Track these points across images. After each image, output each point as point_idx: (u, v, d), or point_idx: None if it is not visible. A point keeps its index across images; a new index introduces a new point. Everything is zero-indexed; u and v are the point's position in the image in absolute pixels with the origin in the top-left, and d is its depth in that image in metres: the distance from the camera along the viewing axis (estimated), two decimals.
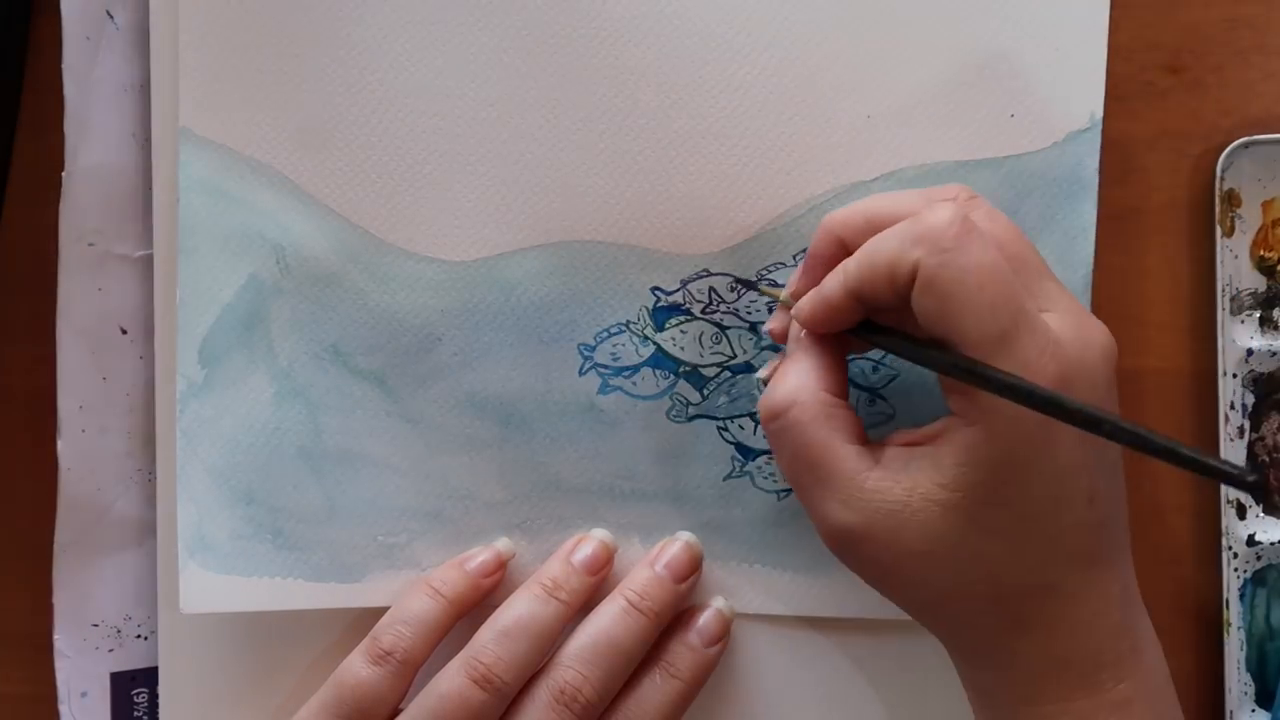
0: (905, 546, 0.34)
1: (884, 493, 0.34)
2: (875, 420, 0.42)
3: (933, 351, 0.33)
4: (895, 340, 0.35)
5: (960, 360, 0.33)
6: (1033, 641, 0.34)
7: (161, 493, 0.43)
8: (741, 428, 0.42)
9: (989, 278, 0.32)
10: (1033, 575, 0.34)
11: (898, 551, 0.34)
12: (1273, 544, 0.42)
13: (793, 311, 0.37)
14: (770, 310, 0.41)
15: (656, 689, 0.40)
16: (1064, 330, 0.33)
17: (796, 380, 0.35)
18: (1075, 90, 0.41)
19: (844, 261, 0.35)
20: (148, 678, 0.45)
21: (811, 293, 0.36)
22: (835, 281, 0.35)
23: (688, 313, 0.42)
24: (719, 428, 0.42)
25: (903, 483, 0.34)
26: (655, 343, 0.42)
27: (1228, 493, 0.42)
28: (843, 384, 0.36)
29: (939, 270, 0.32)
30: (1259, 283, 0.42)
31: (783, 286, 0.39)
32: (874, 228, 0.35)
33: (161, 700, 0.44)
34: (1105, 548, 0.35)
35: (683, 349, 0.42)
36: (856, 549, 0.35)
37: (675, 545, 0.42)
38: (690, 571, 0.42)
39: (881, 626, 0.42)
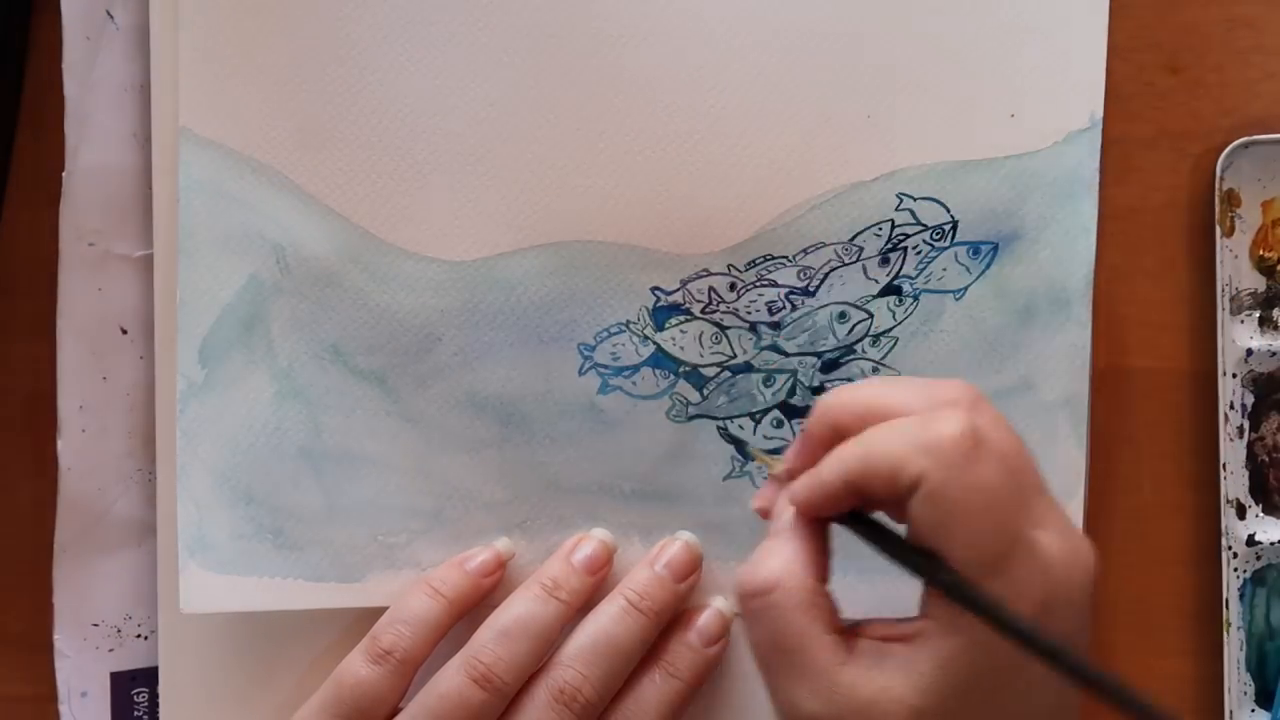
0: None
1: (856, 689, 0.33)
2: None
3: (923, 561, 0.33)
4: (886, 540, 0.34)
5: (950, 578, 0.32)
6: None
7: (161, 493, 0.43)
8: (741, 428, 0.42)
9: (993, 499, 0.32)
10: None
11: None
12: (1273, 544, 0.42)
13: (788, 491, 0.36)
14: (770, 310, 0.42)
15: (656, 689, 0.40)
16: (1054, 550, 0.33)
17: (783, 561, 0.34)
18: (1075, 90, 0.41)
19: (843, 449, 0.34)
20: (148, 678, 0.45)
21: (808, 475, 0.35)
22: (833, 470, 0.34)
23: (688, 313, 0.42)
24: (719, 428, 0.42)
25: (876, 681, 0.33)
26: (655, 343, 0.42)
27: (1228, 492, 0.42)
28: (827, 568, 0.35)
29: (944, 487, 0.32)
30: (1259, 283, 0.42)
31: (779, 456, 0.38)
32: (873, 418, 0.34)
33: (161, 700, 0.44)
34: None
35: (683, 349, 0.42)
36: None
37: (675, 545, 0.42)
38: (690, 571, 0.42)
39: None
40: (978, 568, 0.32)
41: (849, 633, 0.34)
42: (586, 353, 0.42)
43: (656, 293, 0.42)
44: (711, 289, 0.42)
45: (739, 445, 0.42)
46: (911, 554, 0.33)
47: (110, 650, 0.44)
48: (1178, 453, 0.43)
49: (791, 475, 0.36)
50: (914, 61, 0.41)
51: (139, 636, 0.45)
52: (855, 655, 0.34)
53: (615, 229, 0.41)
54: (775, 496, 0.36)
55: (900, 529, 0.34)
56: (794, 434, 0.42)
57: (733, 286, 0.42)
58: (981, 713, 0.33)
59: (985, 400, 0.34)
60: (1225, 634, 0.42)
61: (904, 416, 0.33)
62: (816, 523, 0.35)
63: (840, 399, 0.35)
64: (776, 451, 0.42)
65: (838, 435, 0.34)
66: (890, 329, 0.42)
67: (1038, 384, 0.42)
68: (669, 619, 0.41)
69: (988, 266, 0.41)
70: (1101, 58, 0.41)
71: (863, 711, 0.33)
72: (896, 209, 0.41)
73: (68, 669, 0.44)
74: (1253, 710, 0.42)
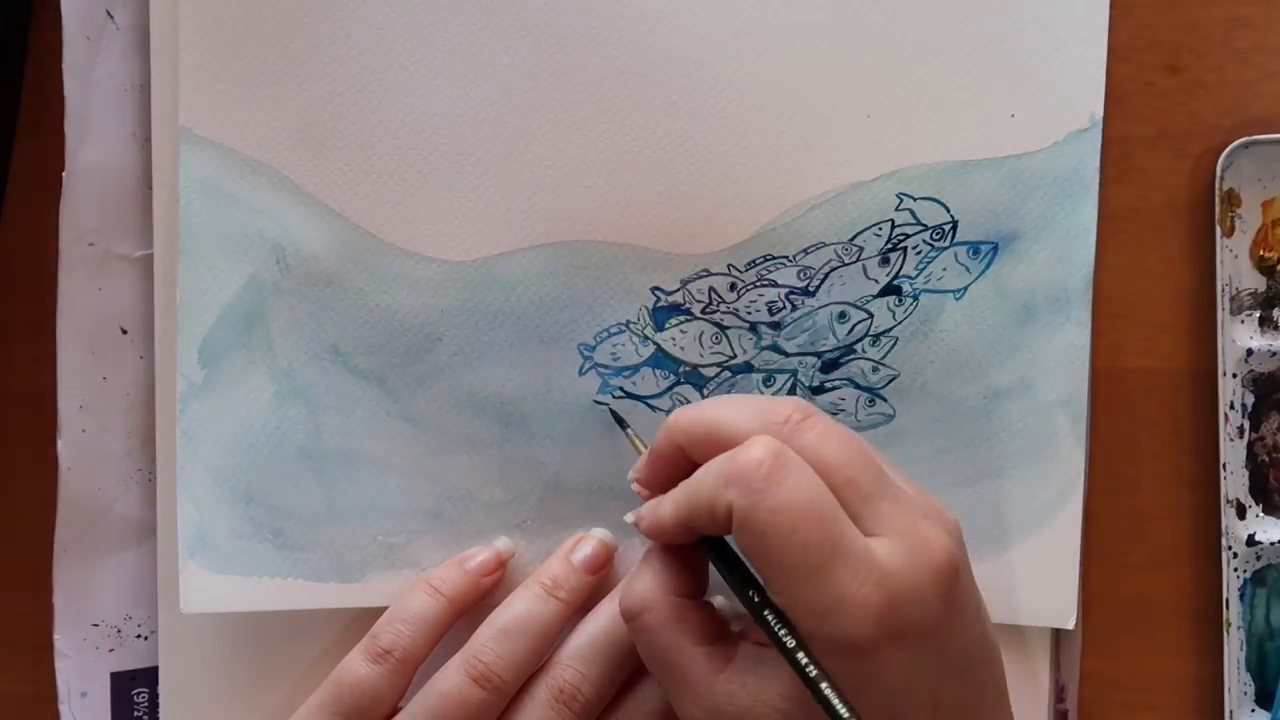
0: None
1: (731, 696, 0.34)
2: (875, 421, 0.42)
3: (744, 591, 0.35)
4: (722, 567, 0.36)
5: (760, 609, 0.34)
6: None
7: (161, 493, 0.43)
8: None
9: (801, 518, 0.32)
10: None
11: None
12: (1273, 544, 0.42)
13: (633, 520, 0.37)
14: (770, 310, 0.42)
15: (655, 688, 0.40)
16: (892, 555, 0.33)
17: (648, 584, 0.36)
18: (1075, 90, 0.41)
19: (675, 493, 0.36)
20: (148, 678, 0.45)
21: (651, 506, 0.37)
22: (668, 510, 0.36)
23: (688, 313, 0.42)
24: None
25: (749, 687, 0.34)
26: (655, 343, 0.42)
27: (1228, 492, 0.42)
28: (698, 582, 0.37)
29: (750, 512, 0.33)
30: (1259, 283, 0.42)
31: (643, 443, 0.40)
32: (712, 440, 0.35)
33: (161, 700, 0.44)
34: None
35: (683, 349, 0.42)
36: None
37: None
38: None
39: None
40: (799, 582, 0.32)
41: (729, 640, 0.35)
42: (586, 353, 0.42)
43: (656, 293, 0.42)
44: (711, 289, 0.42)
45: (619, 420, 0.42)
46: (739, 584, 0.35)
47: (110, 650, 0.44)
48: (1178, 453, 0.43)
49: (643, 484, 0.37)
50: (914, 61, 0.41)
51: (139, 636, 0.45)
52: (733, 663, 0.35)
53: (615, 229, 0.41)
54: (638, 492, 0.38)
55: None
56: None
57: (733, 286, 0.42)
58: (860, 708, 0.33)
59: (816, 414, 0.35)
60: (1225, 634, 0.42)
61: (736, 438, 0.34)
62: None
63: (682, 421, 0.36)
64: None
65: (681, 454, 0.36)
66: (890, 329, 0.42)
67: (1037, 384, 0.42)
68: None
69: (988, 266, 0.41)
70: (1101, 58, 0.41)
71: (740, 716, 0.34)
72: (896, 209, 0.41)
73: (68, 669, 0.44)
74: (1253, 710, 0.42)
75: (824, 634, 0.32)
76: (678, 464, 0.36)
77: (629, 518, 0.38)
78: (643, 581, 0.36)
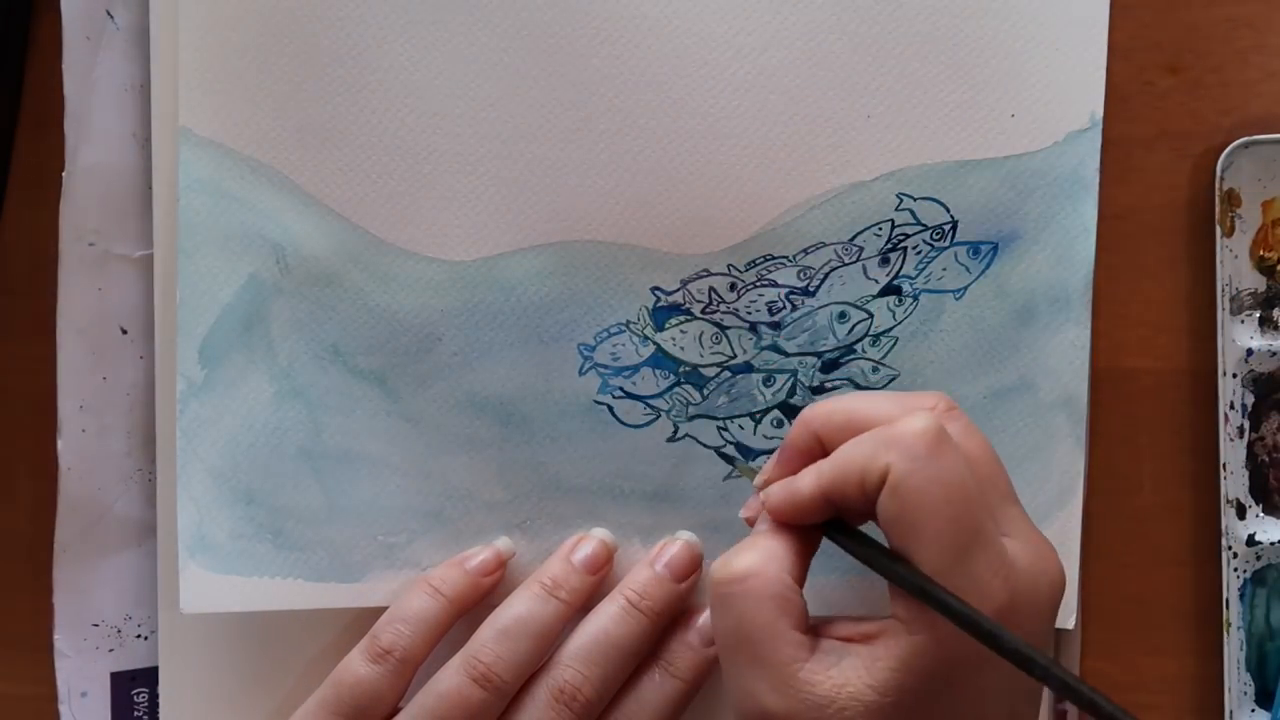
0: None
1: (814, 685, 0.34)
2: None
3: (890, 563, 0.34)
4: (858, 545, 0.35)
5: (916, 578, 0.33)
6: None
7: (161, 493, 0.43)
8: (741, 428, 0.42)
9: (955, 492, 0.33)
10: None
11: None
12: (1273, 544, 0.42)
13: (761, 497, 0.37)
14: (770, 310, 0.42)
15: (656, 689, 0.40)
16: (1020, 557, 0.34)
17: (762, 555, 0.35)
18: (1075, 90, 0.41)
19: (820, 462, 0.35)
20: (148, 678, 0.45)
21: (784, 483, 0.36)
22: (809, 480, 0.35)
23: (688, 313, 0.42)
24: (719, 428, 0.42)
25: (834, 678, 0.34)
26: (655, 343, 0.42)
27: (1228, 492, 0.42)
28: (804, 572, 0.36)
29: (907, 477, 0.33)
30: (1259, 283, 0.42)
31: (758, 467, 0.40)
32: (853, 427, 0.35)
33: (161, 700, 0.44)
34: None
35: (683, 349, 0.42)
36: None
37: (675, 545, 0.42)
38: (690, 571, 0.42)
39: None
40: (941, 559, 0.33)
41: (813, 634, 0.35)
42: (586, 353, 0.42)
43: (656, 293, 0.42)
44: (712, 289, 0.42)
45: (730, 461, 0.42)
46: (881, 556, 0.34)
47: (110, 650, 0.45)
48: (1178, 453, 0.43)
49: (772, 481, 0.37)
50: (914, 61, 0.41)
51: (139, 636, 0.45)
52: (818, 654, 0.34)
53: (615, 229, 0.41)
54: (759, 507, 0.37)
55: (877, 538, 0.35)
56: None
57: (733, 286, 0.42)
58: (937, 713, 0.33)
59: (959, 409, 0.36)
60: (1225, 634, 0.42)
61: (879, 423, 0.34)
62: (797, 528, 0.36)
63: (821, 410, 0.36)
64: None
65: (818, 445, 0.36)
66: (890, 329, 0.42)
67: (1037, 384, 0.42)
68: (669, 619, 0.41)
69: (987, 266, 0.41)
70: (1101, 58, 0.41)
71: (820, 708, 0.33)
72: (896, 209, 0.41)
73: (68, 669, 0.44)
74: (1253, 710, 0.42)
75: None
76: (813, 456, 0.36)
77: (744, 512, 0.38)
78: (755, 552, 0.35)
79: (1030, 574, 0.34)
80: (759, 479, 0.38)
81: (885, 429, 0.34)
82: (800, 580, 0.36)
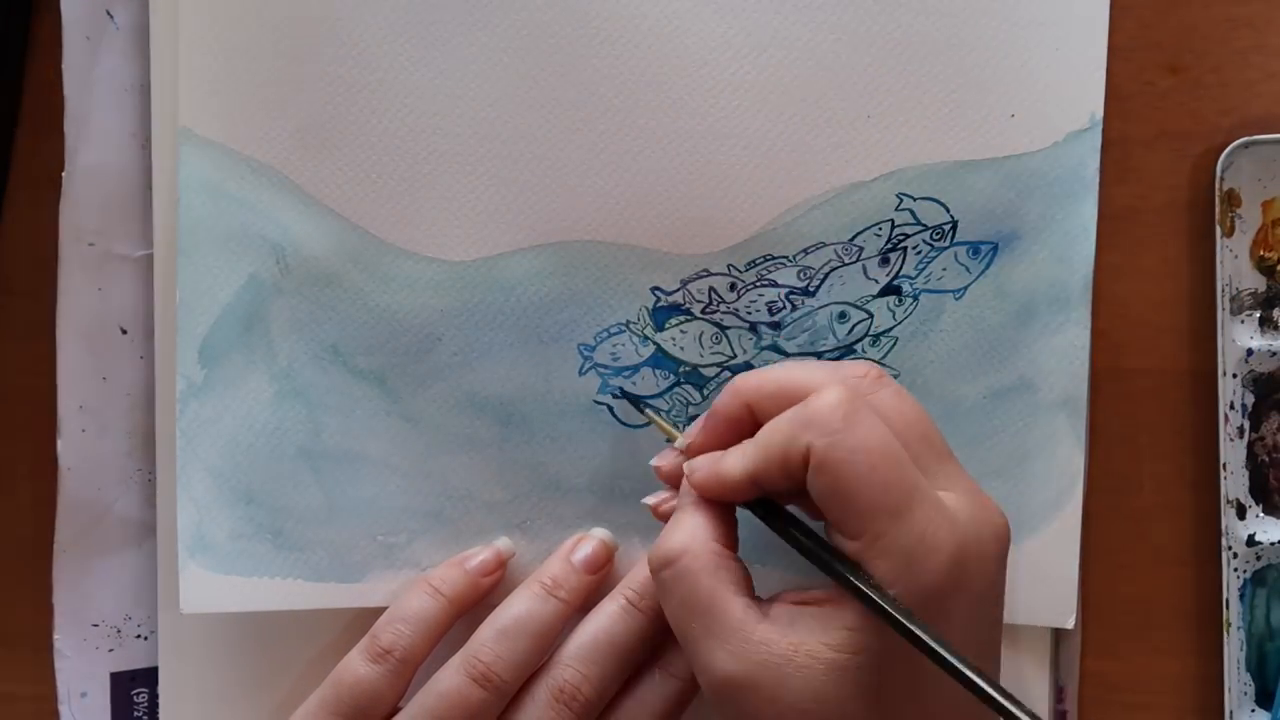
0: (786, 702, 0.33)
1: (770, 645, 0.34)
2: None
3: (813, 549, 0.34)
4: (784, 527, 0.36)
5: (833, 562, 0.34)
6: None
7: (161, 493, 0.43)
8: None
9: (880, 457, 0.33)
10: None
11: (779, 707, 0.34)
12: (1273, 544, 0.42)
13: (686, 471, 0.37)
14: (770, 310, 0.42)
15: (656, 688, 0.40)
16: (961, 509, 0.34)
17: (688, 531, 0.36)
18: (1075, 90, 0.41)
19: (744, 444, 0.35)
20: (148, 678, 0.45)
21: (709, 461, 0.36)
22: (735, 463, 0.35)
23: (688, 313, 0.42)
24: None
25: (790, 637, 0.34)
26: (655, 343, 0.42)
27: (1228, 492, 0.42)
28: (734, 537, 0.36)
29: (828, 452, 0.33)
30: (1259, 283, 0.42)
31: (675, 424, 0.40)
32: (783, 396, 0.35)
33: (161, 700, 0.44)
34: None
35: (683, 349, 0.42)
36: (738, 700, 0.34)
37: None
38: None
39: None
40: (880, 521, 0.33)
41: (763, 601, 0.35)
42: (586, 353, 0.42)
43: (656, 293, 0.42)
44: (712, 289, 0.42)
45: (634, 401, 0.41)
46: (806, 541, 0.35)
47: (110, 650, 0.45)
48: (1178, 453, 0.43)
49: (695, 451, 0.37)
50: (914, 61, 0.41)
51: (139, 636, 0.45)
52: (770, 618, 0.35)
53: (615, 229, 0.41)
54: (677, 463, 0.38)
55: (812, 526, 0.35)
56: None
57: (733, 286, 0.42)
58: (900, 672, 0.33)
59: (888, 377, 0.36)
60: (1225, 634, 0.42)
61: (810, 392, 0.34)
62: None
63: (753, 380, 0.36)
64: None
65: (748, 415, 0.36)
66: (890, 329, 0.42)
67: (1037, 384, 0.42)
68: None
69: (987, 266, 0.41)
70: (1101, 58, 0.41)
71: (779, 666, 0.34)
72: (896, 209, 0.41)
73: (68, 669, 0.44)
74: (1253, 710, 0.42)
75: (901, 579, 0.33)
76: (742, 426, 0.36)
77: (650, 500, 0.38)
78: (681, 529, 0.36)
79: (974, 524, 0.34)
80: (683, 442, 0.38)
81: (799, 408, 0.34)
82: (733, 546, 0.36)
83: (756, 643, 0.34)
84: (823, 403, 0.33)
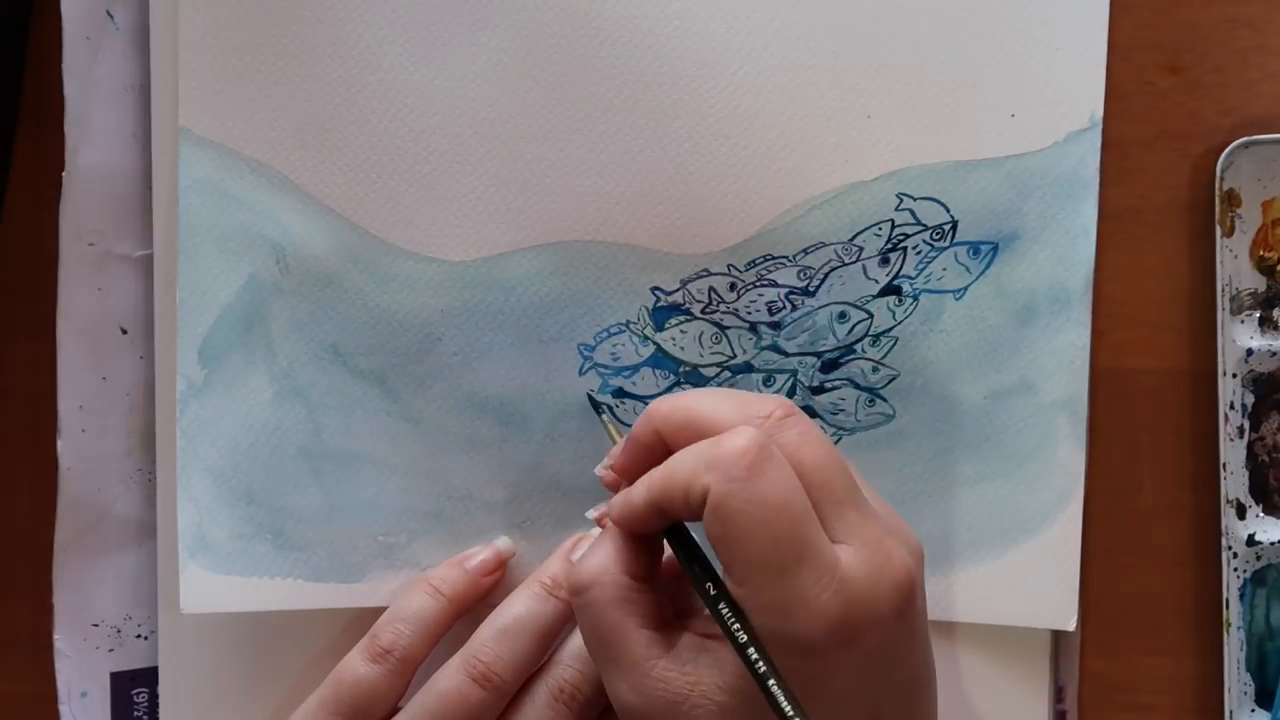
0: None
1: (667, 683, 0.34)
2: (875, 421, 0.42)
3: (700, 581, 0.34)
4: (681, 556, 0.36)
5: (715, 601, 0.33)
6: None
7: (161, 493, 0.43)
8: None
9: (776, 512, 0.32)
10: None
11: None
12: (1273, 544, 0.42)
13: (607, 507, 0.37)
14: (770, 310, 0.42)
15: None
16: (854, 565, 0.33)
17: (600, 561, 0.36)
18: (1075, 90, 0.41)
19: (651, 474, 0.35)
20: (148, 678, 0.45)
21: (622, 494, 0.36)
22: (641, 493, 0.35)
23: (688, 313, 0.42)
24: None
25: (688, 675, 0.34)
26: (655, 343, 0.42)
27: (1228, 492, 0.42)
28: (649, 566, 0.36)
29: (726, 499, 0.32)
30: (1259, 283, 0.42)
31: (627, 427, 0.39)
32: (692, 428, 0.35)
33: (161, 700, 0.44)
34: None
35: (683, 349, 0.42)
36: None
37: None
38: None
39: None
40: (763, 577, 0.32)
41: (672, 628, 0.35)
42: (586, 353, 0.42)
43: (656, 293, 0.42)
44: (711, 289, 0.42)
45: (594, 405, 0.42)
46: (698, 574, 0.35)
47: (110, 650, 0.44)
48: (1178, 453, 0.43)
49: (618, 471, 0.37)
50: (914, 61, 0.41)
51: (139, 636, 0.45)
52: (674, 650, 0.35)
53: (615, 229, 0.41)
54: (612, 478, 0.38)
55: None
56: None
57: (733, 286, 0.42)
58: None
59: (799, 414, 0.35)
60: (1225, 634, 0.42)
61: (716, 429, 0.34)
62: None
63: (663, 408, 0.36)
64: None
65: (659, 441, 0.36)
66: (890, 329, 0.42)
67: (1038, 384, 0.42)
68: None
69: (988, 266, 0.41)
70: (1101, 58, 0.41)
71: (674, 704, 0.34)
72: (896, 209, 0.41)
73: (68, 669, 0.44)
74: (1253, 710, 0.42)
75: (778, 631, 0.32)
76: (655, 452, 0.36)
77: (591, 513, 0.38)
78: (594, 558, 0.36)
79: (867, 582, 0.33)
80: (599, 468, 0.38)
81: (708, 445, 0.33)
82: (648, 575, 0.36)
83: (655, 679, 0.34)
84: (732, 446, 0.33)
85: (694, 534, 0.36)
